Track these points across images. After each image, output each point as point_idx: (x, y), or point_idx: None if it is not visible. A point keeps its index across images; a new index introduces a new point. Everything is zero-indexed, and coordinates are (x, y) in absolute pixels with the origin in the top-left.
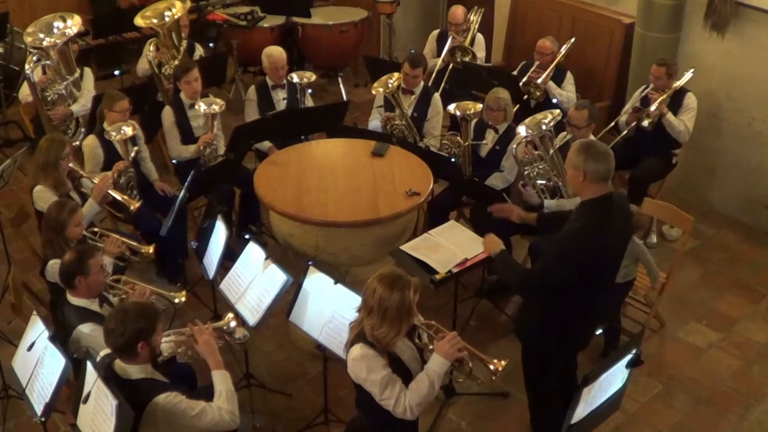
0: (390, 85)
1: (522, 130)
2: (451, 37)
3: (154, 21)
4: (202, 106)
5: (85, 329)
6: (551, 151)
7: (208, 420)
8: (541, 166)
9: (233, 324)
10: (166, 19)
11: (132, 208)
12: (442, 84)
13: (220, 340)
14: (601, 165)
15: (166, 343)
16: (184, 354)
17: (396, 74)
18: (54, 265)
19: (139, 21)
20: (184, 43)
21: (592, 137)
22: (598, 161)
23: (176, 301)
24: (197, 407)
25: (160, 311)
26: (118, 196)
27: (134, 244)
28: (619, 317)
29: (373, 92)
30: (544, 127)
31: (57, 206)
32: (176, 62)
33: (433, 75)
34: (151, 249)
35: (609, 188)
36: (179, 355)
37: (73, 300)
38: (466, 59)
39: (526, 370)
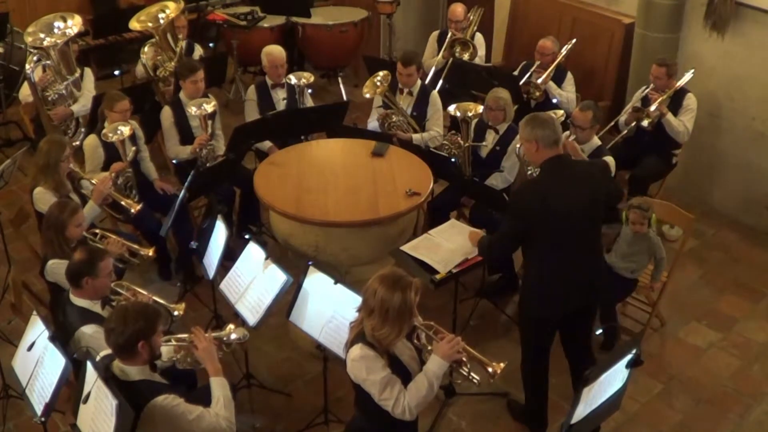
0: (378, 84)
1: None
2: (450, 33)
3: (149, 24)
4: (193, 110)
5: (88, 330)
6: None
7: (205, 425)
8: None
9: (233, 336)
10: (161, 21)
11: (133, 210)
12: (440, 81)
13: (219, 350)
14: (548, 130)
15: (166, 347)
16: (183, 360)
17: (381, 72)
18: (53, 265)
19: (134, 24)
20: (182, 43)
21: (596, 139)
22: (543, 128)
23: (175, 313)
24: (195, 411)
25: (161, 312)
26: (119, 199)
27: (135, 246)
28: (616, 315)
29: (364, 95)
30: None
31: (58, 206)
32: (173, 63)
33: (430, 74)
34: (151, 252)
35: (560, 151)
36: (178, 361)
37: (76, 300)
38: (466, 56)
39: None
